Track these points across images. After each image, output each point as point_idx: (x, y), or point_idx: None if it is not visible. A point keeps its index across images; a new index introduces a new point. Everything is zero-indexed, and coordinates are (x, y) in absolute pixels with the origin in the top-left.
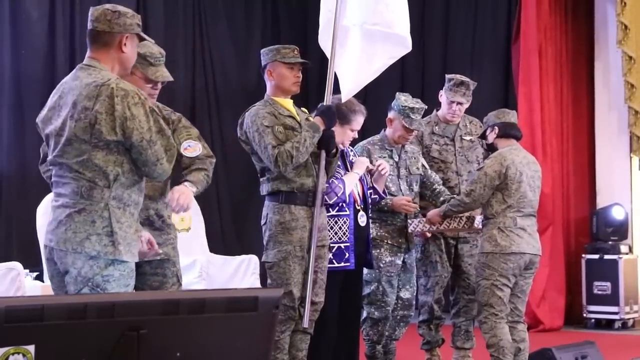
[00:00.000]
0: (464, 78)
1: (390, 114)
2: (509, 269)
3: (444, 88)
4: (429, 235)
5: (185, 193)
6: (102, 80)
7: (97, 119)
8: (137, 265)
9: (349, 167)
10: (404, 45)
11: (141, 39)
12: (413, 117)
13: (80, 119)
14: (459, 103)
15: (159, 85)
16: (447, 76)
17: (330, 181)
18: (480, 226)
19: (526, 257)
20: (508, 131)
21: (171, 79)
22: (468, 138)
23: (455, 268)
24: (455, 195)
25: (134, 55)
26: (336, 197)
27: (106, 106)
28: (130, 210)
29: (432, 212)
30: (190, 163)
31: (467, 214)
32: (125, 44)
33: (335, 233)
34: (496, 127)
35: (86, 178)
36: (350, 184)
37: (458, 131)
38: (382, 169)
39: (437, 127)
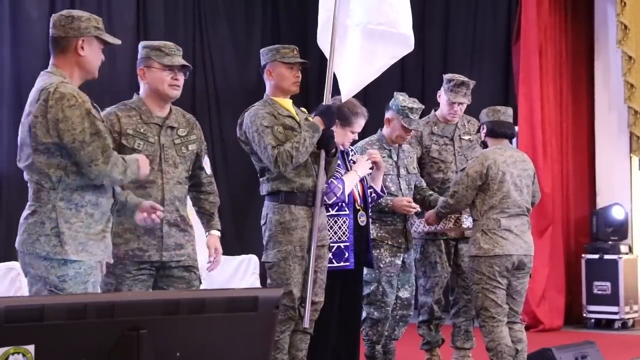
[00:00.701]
0: (463, 78)
1: (388, 114)
2: (495, 272)
3: (443, 89)
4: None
5: (220, 252)
6: (45, 85)
7: (34, 123)
8: (166, 267)
9: (349, 166)
10: (407, 44)
11: (105, 43)
12: (412, 117)
13: (24, 124)
14: (461, 103)
15: (181, 77)
16: (446, 77)
17: (330, 181)
18: (470, 226)
19: (513, 258)
20: (496, 130)
21: (186, 63)
22: (467, 137)
23: (455, 268)
24: (441, 196)
25: (95, 57)
26: (335, 198)
27: (41, 109)
28: (87, 210)
29: (428, 213)
30: (208, 183)
31: (455, 214)
32: (82, 47)
33: (335, 233)
34: (485, 126)
35: (34, 181)
36: (350, 183)
37: (457, 131)
38: (373, 156)
39: (435, 127)
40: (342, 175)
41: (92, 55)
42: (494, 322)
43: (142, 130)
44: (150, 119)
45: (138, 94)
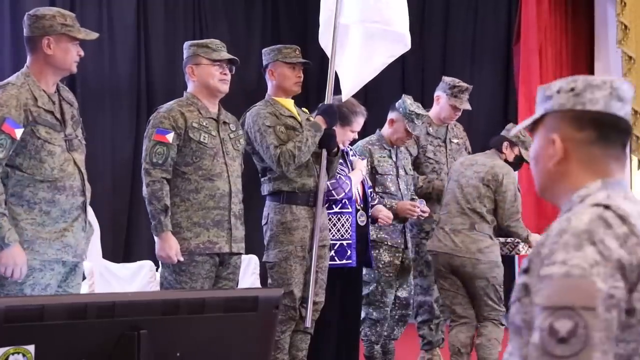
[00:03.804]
0: (465, 84)
1: (393, 115)
2: (435, 270)
3: (444, 92)
4: None
5: None
6: None
7: None
8: (227, 258)
9: (349, 165)
10: (404, 43)
11: (75, 39)
12: (416, 122)
13: None
14: (464, 109)
15: (228, 71)
16: (447, 81)
17: (338, 177)
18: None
19: (438, 257)
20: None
21: (232, 57)
22: (455, 141)
23: None
24: None
25: (66, 54)
26: (343, 194)
27: None
28: (42, 207)
29: None
30: None
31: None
32: (49, 46)
33: (338, 230)
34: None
35: None
36: (357, 182)
37: (448, 133)
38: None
39: (430, 128)
40: (346, 174)
41: (62, 53)
42: (448, 322)
43: (204, 124)
44: (208, 114)
45: (186, 92)
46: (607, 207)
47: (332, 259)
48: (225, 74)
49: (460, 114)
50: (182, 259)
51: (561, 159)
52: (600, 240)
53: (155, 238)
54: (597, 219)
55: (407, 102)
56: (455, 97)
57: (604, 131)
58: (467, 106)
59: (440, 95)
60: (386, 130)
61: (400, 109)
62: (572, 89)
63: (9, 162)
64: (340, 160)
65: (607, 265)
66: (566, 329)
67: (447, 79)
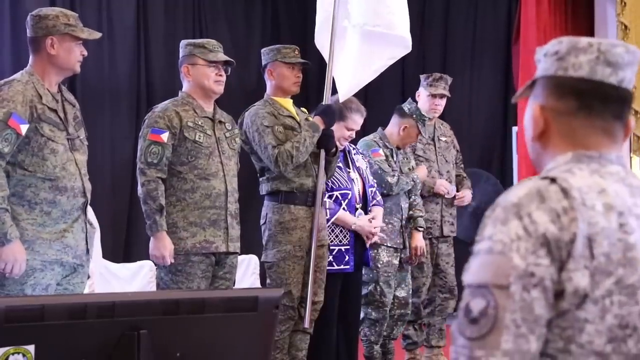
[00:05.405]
0: (440, 73)
1: (406, 122)
2: None
3: (421, 87)
4: None
5: None
6: None
7: None
8: (224, 257)
9: (349, 163)
10: (404, 45)
11: (79, 39)
12: (424, 127)
13: None
14: (442, 96)
15: (224, 72)
16: (424, 75)
17: (335, 206)
18: None
19: None
20: None
21: (229, 59)
22: (443, 139)
23: (434, 267)
24: None
25: (69, 54)
26: (327, 216)
27: None
28: (43, 208)
29: None
30: None
31: None
32: (52, 46)
33: (336, 236)
34: None
35: None
36: (341, 220)
37: (436, 131)
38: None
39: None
40: (346, 175)
41: (66, 53)
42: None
43: (200, 123)
44: (203, 113)
45: (181, 91)
46: (553, 180)
47: (330, 264)
48: (220, 75)
49: (441, 105)
50: (173, 260)
51: (542, 130)
52: (528, 213)
53: (150, 238)
54: (534, 192)
55: (418, 107)
56: (431, 86)
57: (585, 100)
58: (443, 92)
59: (420, 91)
60: (395, 134)
61: (415, 115)
62: (556, 52)
63: (11, 159)
64: (340, 164)
65: (529, 241)
66: (478, 309)
67: (423, 75)
